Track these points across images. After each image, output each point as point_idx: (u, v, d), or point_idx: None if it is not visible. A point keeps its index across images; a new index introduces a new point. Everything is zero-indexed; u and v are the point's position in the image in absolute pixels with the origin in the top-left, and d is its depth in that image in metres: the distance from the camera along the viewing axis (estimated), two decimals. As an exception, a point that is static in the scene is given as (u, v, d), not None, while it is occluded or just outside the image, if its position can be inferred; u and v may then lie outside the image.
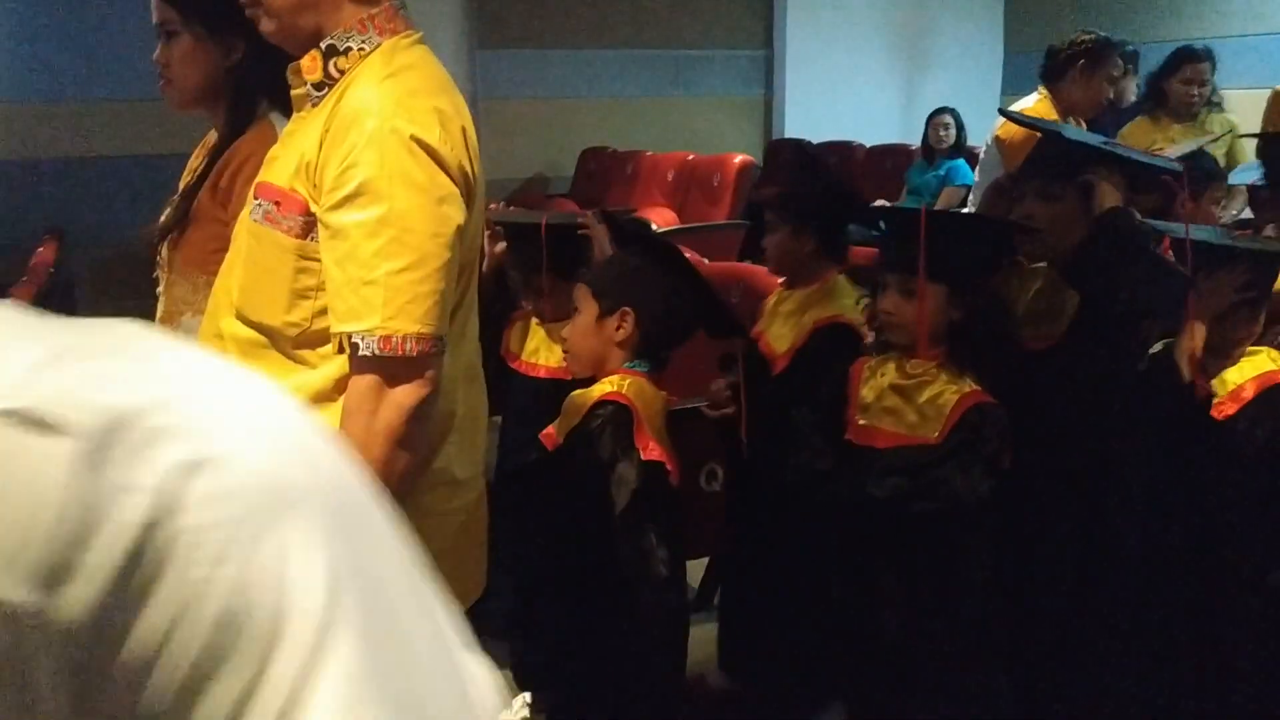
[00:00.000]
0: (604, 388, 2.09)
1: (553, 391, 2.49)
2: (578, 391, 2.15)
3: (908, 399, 2.04)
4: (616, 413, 2.03)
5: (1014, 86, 8.56)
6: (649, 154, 7.29)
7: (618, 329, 2.11)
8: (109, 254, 6.96)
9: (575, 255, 2.70)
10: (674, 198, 6.56)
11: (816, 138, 8.04)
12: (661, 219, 5.84)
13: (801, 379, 2.39)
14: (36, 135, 7.36)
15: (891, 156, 7.23)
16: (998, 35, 8.96)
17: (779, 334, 2.51)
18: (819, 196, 2.55)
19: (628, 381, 2.08)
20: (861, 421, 2.10)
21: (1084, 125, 3.85)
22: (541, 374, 2.76)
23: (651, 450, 2.00)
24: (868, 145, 7.62)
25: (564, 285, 2.54)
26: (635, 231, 2.58)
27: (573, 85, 8.31)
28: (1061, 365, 2.29)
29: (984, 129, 7.06)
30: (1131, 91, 5.21)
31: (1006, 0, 8.98)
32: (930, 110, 6.67)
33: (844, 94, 8.49)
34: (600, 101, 8.39)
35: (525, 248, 2.79)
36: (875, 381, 2.11)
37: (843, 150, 7.73)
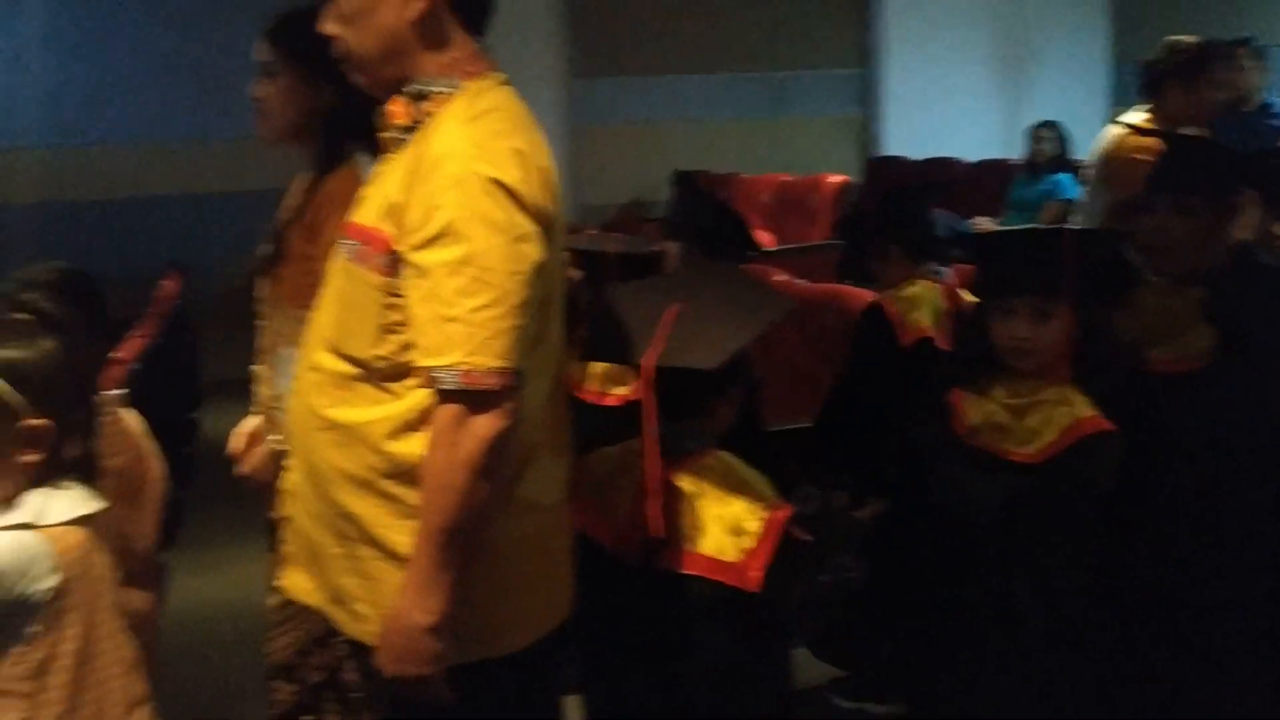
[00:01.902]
0: None
1: (622, 421, 2.48)
2: None
3: (1020, 418, 2.03)
4: None
5: (1123, 97, 8.37)
6: (745, 176, 7.33)
7: None
8: (228, 287, 7.32)
9: None
10: (771, 219, 6.59)
11: (916, 154, 8.01)
12: (759, 241, 5.88)
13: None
14: (156, 173, 7.76)
15: (993, 172, 7.14)
16: (1105, 44, 8.78)
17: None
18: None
19: None
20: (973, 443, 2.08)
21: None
22: (610, 402, 2.71)
23: None
24: (969, 161, 7.53)
25: None
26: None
27: (669, 110, 8.42)
28: (1201, 394, 2.22)
29: (1091, 142, 6.96)
30: (1259, 90, 4.86)
31: (1114, 8, 8.78)
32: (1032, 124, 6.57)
33: (944, 110, 8.42)
34: (696, 125, 8.48)
35: (598, 275, 2.81)
36: (981, 405, 2.08)
37: (943, 166, 7.66)
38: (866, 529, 2.71)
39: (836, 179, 6.45)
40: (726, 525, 1.70)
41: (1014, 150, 7.09)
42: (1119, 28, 8.73)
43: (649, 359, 1.69)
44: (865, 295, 3.30)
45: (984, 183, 7.11)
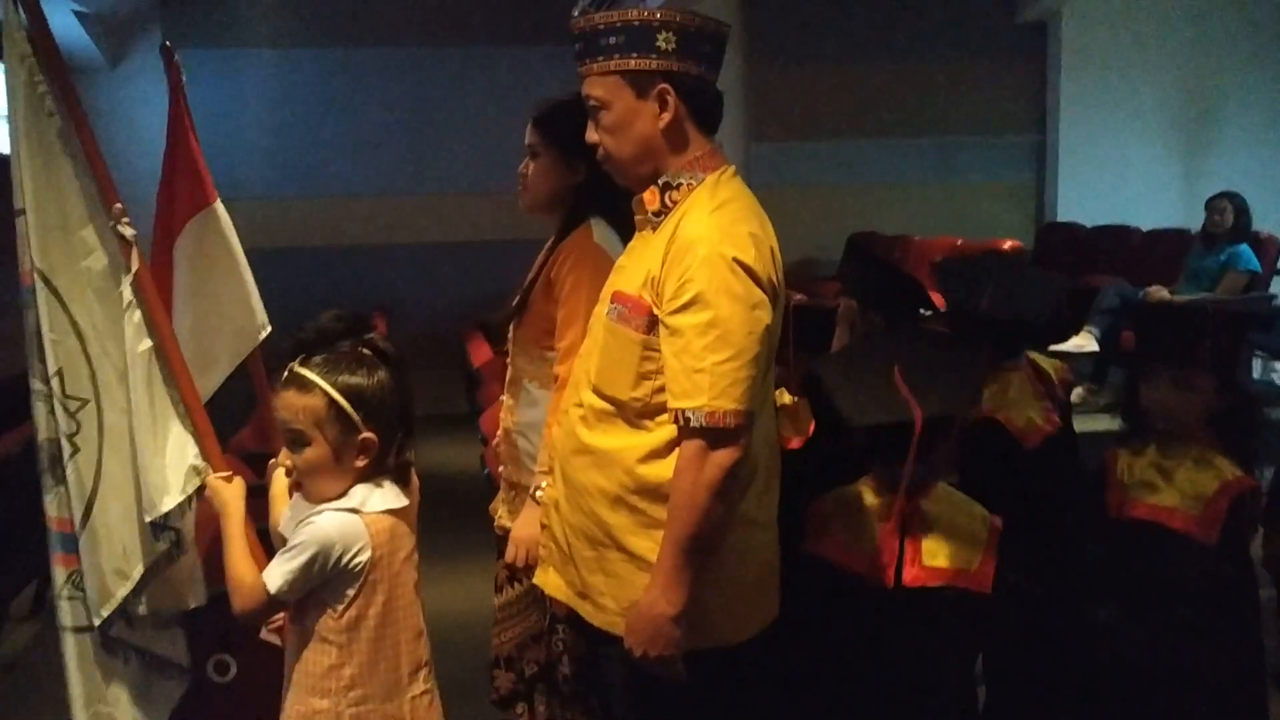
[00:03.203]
0: None
1: (797, 463, 2.56)
2: None
3: (1167, 477, 2.25)
4: None
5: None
6: (917, 238, 7.52)
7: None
8: (425, 327, 7.96)
9: (820, 335, 2.91)
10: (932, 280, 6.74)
11: (1090, 221, 8.04)
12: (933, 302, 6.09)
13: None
14: (366, 224, 8.52)
15: (1169, 241, 7.13)
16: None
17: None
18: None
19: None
20: (1124, 499, 2.32)
21: None
22: (792, 446, 2.86)
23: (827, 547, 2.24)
24: (1144, 229, 7.54)
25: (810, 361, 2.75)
26: None
27: (841, 173, 8.68)
28: None
29: (1274, 213, 6.86)
30: None
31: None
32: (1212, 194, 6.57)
33: (1119, 177, 8.41)
34: (868, 188, 8.71)
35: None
36: (1132, 462, 2.32)
37: (1118, 234, 7.68)
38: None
39: (1009, 244, 6.59)
40: (964, 540, 2.04)
41: (1194, 220, 7.08)
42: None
43: (917, 413, 2.03)
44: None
45: (1159, 251, 7.12)
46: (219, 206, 2.48)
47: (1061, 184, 8.62)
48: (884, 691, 2.05)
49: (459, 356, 7.43)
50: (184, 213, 2.45)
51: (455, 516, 3.75)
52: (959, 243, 6.88)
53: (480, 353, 6.91)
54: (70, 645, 2.20)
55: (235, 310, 2.48)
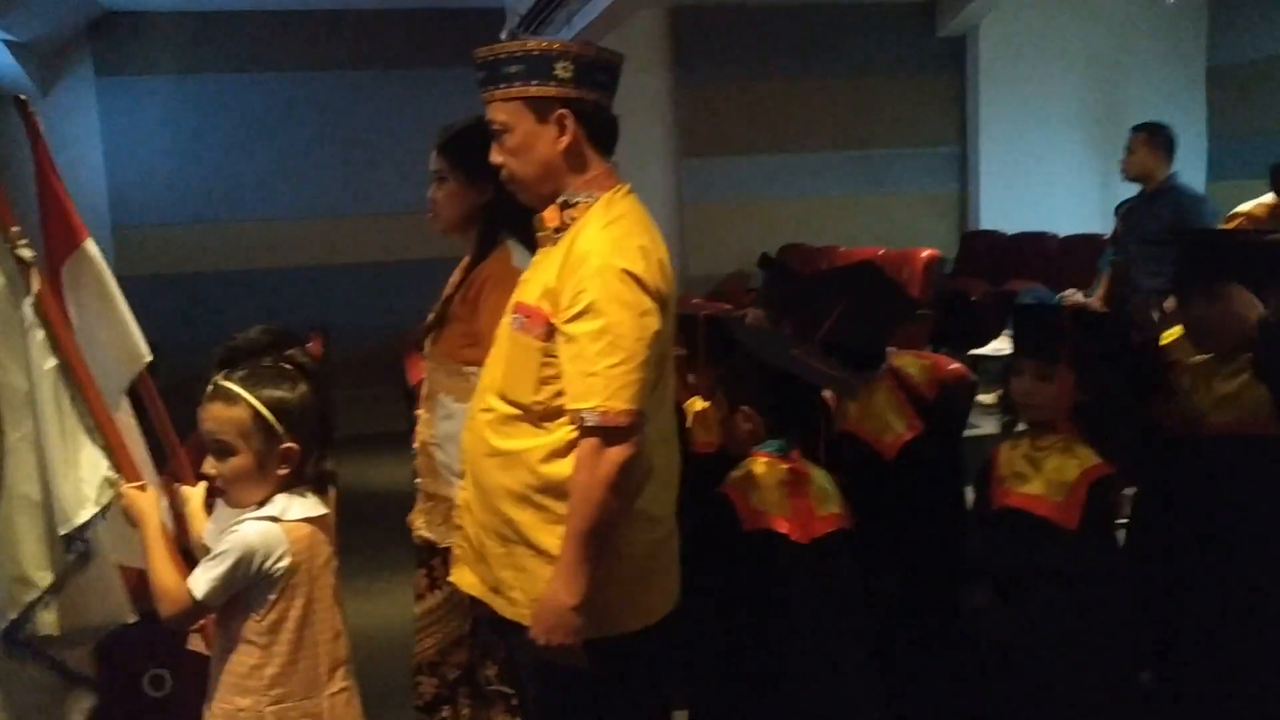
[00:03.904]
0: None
1: (710, 467, 2.72)
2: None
3: (1036, 467, 2.42)
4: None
5: (1220, 172, 8.56)
6: (841, 249, 7.73)
7: (746, 422, 2.51)
8: (363, 346, 8.03)
9: (730, 345, 2.98)
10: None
11: (1012, 229, 8.30)
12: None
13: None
14: (300, 246, 8.58)
15: (1084, 246, 7.39)
16: (1200, 120, 8.93)
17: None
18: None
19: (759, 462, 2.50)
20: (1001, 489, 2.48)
21: None
22: (695, 449, 2.97)
23: (760, 519, 2.41)
24: (1060, 235, 7.81)
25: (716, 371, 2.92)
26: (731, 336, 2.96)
27: (770, 187, 8.89)
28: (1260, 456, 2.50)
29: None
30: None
31: (1208, 87, 8.97)
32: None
33: (1039, 185, 8.69)
34: (797, 201, 8.93)
35: (686, 337, 3.05)
36: (1010, 455, 2.49)
37: (1036, 240, 7.94)
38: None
39: (926, 253, 6.81)
40: (833, 493, 2.39)
41: (1109, 224, 7.33)
42: (1215, 103, 8.90)
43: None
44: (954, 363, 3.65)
45: (1076, 255, 7.38)
46: (89, 245, 2.45)
47: (983, 193, 8.89)
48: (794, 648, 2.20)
49: (397, 374, 7.50)
50: (59, 252, 2.44)
51: (393, 530, 3.83)
52: (880, 252, 7.08)
53: (417, 370, 6.95)
54: None
55: (117, 343, 2.48)
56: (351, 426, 4.18)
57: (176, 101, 8.38)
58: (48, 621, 2.19)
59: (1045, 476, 2.38)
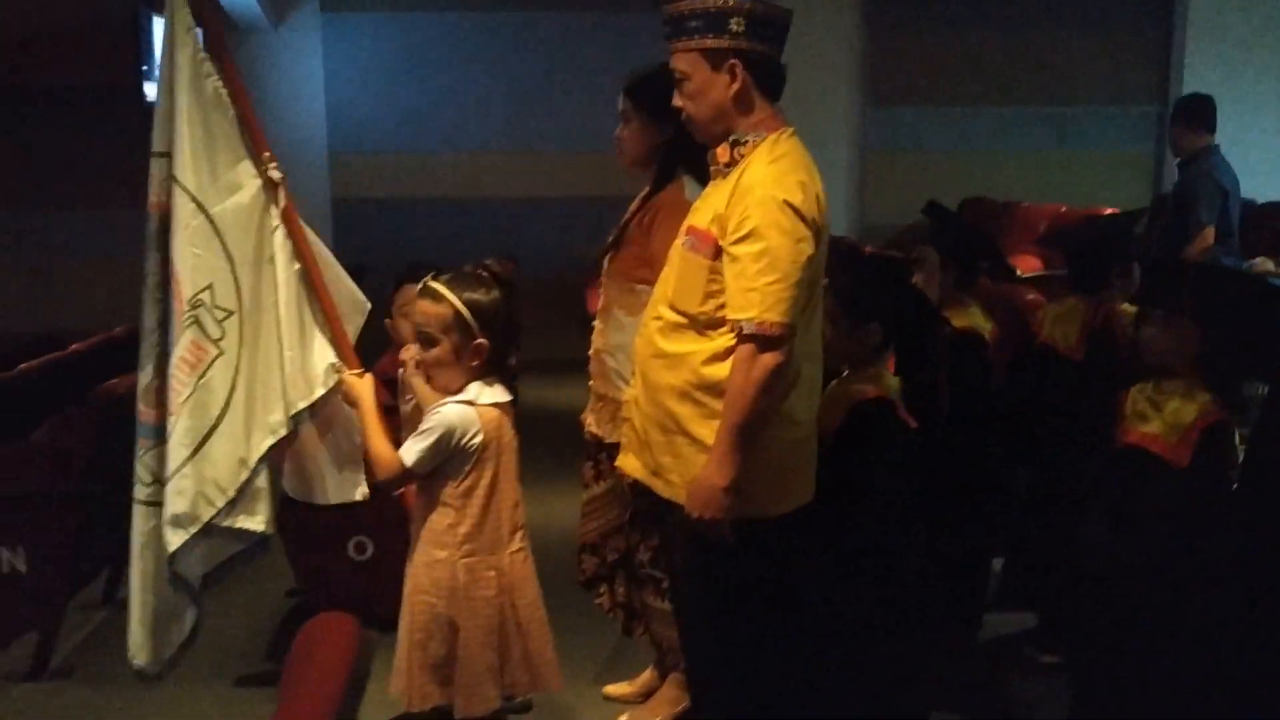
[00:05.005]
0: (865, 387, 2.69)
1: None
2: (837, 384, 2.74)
3: (1157, 408, 2.58)
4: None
5: None
6: (1024, 205, 7.69)
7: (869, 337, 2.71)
8: (547, 276, 8.50)
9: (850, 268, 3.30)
10: (1044, 247, 6.92)
11: (1207, 193, 8.02)
12: (1026, 265, 6.31)
13: None
14: (492, 178, 9.09)
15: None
16: None
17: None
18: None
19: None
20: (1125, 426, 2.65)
21: None
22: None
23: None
24: (1258, 201, 7.54)
25: None
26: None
27: (956, 139, 8.86)
28: None
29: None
30: None
31: None
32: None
33: (1241, 150, 8.34)
34: (984, 154, 8.87)
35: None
36: (1136, 397, 2.65)
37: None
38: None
39: (1109, 211, 6.74)
40: None
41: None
42: None
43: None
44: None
45: (1269, 224, 7.15)
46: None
47: (1178, 155, 8.59)
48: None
49: (578, 303, 7.93)
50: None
51: (567, 442, 4.18)
52: (1064, 209, 7.04)
53: (596, 300, 7.35)
54: (138, 516, 2.49)
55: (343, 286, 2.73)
56: (532, 352, 4.52)
57: (392, 37, 8.96)
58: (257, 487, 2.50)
59: (1164, 418, 2.53)
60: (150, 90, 7.49)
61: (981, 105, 8.83)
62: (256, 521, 2.50)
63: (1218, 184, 5.46)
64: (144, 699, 3.38)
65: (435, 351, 2.42)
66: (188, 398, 2.41)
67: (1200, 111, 5.53)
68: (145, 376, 2.51)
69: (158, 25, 7.46)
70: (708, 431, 2.31)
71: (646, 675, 3.27)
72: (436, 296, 2.42)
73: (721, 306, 2.30)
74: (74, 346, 5.97)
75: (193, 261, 2.43)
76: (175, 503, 2.41)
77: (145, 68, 7.52)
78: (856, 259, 3.23)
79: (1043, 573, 3.42)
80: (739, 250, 2.25)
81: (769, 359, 2.22)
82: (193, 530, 2.42)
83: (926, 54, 8.76)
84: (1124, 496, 2.57)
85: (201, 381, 2.42)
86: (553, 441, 4.59)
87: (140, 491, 2.51)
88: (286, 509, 2.66)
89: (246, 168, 2.53)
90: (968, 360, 3.18)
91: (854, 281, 2.78)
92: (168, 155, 2.47)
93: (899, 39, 8.70)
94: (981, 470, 3.20)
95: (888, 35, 8.63)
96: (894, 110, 8.85)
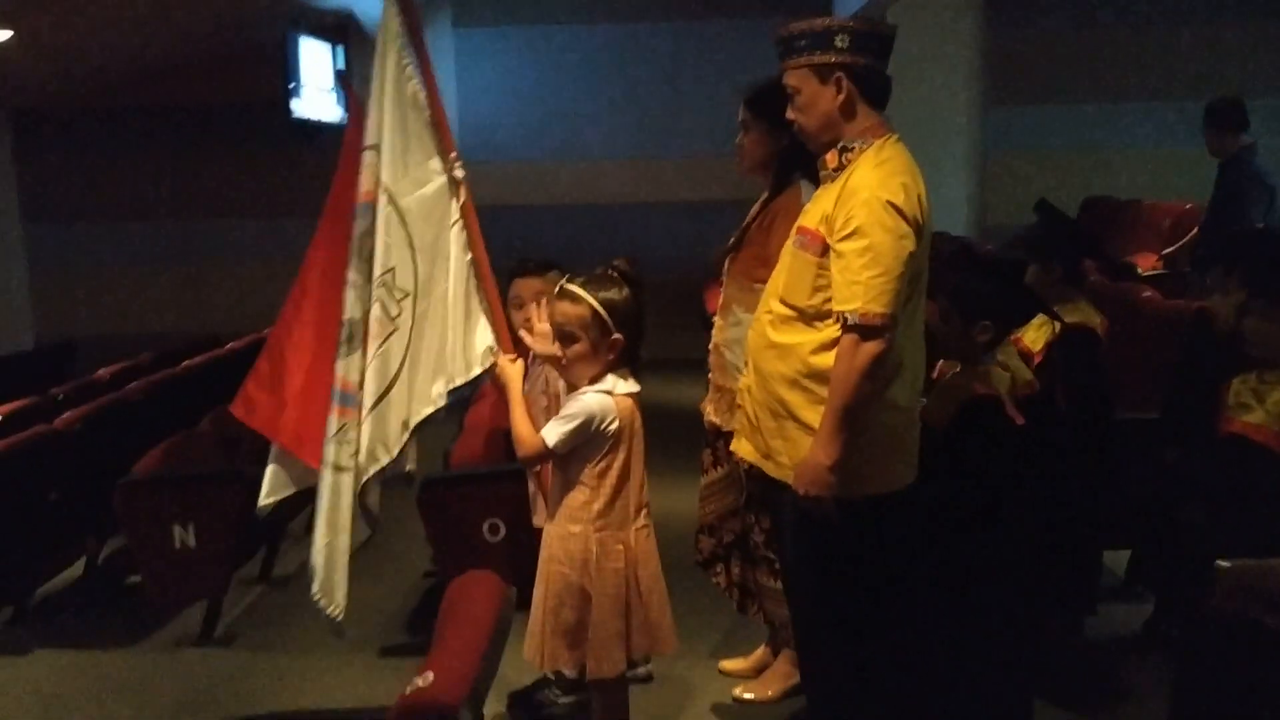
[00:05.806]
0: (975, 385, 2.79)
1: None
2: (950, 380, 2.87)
3: (1260, 399, 2.65)
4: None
5: None
6: (1147, 203, 7.58)
7: (984, 334, 2.81)
8: (668, 278, 8.72)
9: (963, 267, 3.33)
10: (1167, 244, 6.85)
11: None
12: (1145, 264, 6.28)
13: None
14: (616, 184, 9.36)
15: None
16: None
17: None
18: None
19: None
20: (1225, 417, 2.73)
21: None
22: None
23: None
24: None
25: None
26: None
27: (1078, 138, 8.74)
28: None
29: None
30: None
31: None
32: None
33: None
34: (1113, 152, 8.73)
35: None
36: (1239, 388, 2.72)
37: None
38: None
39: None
40: None
41: None
42: None
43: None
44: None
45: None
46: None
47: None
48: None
49: (697, 305, 8.12)
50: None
51: (685, 438, 4.39)
52: (1188, 206, 6.94)
53: (716, 301, 7.54)
54: (328, 479, 2.70)
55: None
56: (652, 350, 4.71)
57: (520, 50, 9.34)
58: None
59: (1267, 408, 2.60)
60: (296, 107, 7.99)
61: (1102, 102, 8.70)
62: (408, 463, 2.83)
63: (1264, 183, 5.43)
64: (296, 667, 3.71)
65: (576, 348, 2.62)
66: (369, 364, 2.70)
67: (1230, 113, 5.56)
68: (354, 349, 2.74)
69: (304, 46, 7.96)
70: (815, 416, 2.48)
71: (760, 652, 3.46)
72: (574, 298, 2.62)
73: (828, 300, 2.48)
74: (230, 345, 6.46)
75: (382, 245, 2.70)
76: (361, 450, 2.70)
77: (292, 85, 8.01)
78: (969, 258, 3.31)
79: (1162, 561, 3.47)
80: (845, 246, 2.42)
81: (871, 347, 2.39)
82: (365, 478, 2.72)
83: (1047, 51, 8.69)
84: (1226, 484, 2.64)
85: (380, 350, 2.70)
86: (673, 433, 4.80)
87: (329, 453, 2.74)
88: (428, 493, 2.89)
89: (435, 164, 2.80)
90: (1080, 354, 3.27)
91: (965, 280, 2.89)
92: (376, 148, 2.74)
93: (1019, 37, 8.64)
94: (1096, 462, 3.28)
95: (1008, 33, 8.55)
96: (1013, 110, 8.78)
